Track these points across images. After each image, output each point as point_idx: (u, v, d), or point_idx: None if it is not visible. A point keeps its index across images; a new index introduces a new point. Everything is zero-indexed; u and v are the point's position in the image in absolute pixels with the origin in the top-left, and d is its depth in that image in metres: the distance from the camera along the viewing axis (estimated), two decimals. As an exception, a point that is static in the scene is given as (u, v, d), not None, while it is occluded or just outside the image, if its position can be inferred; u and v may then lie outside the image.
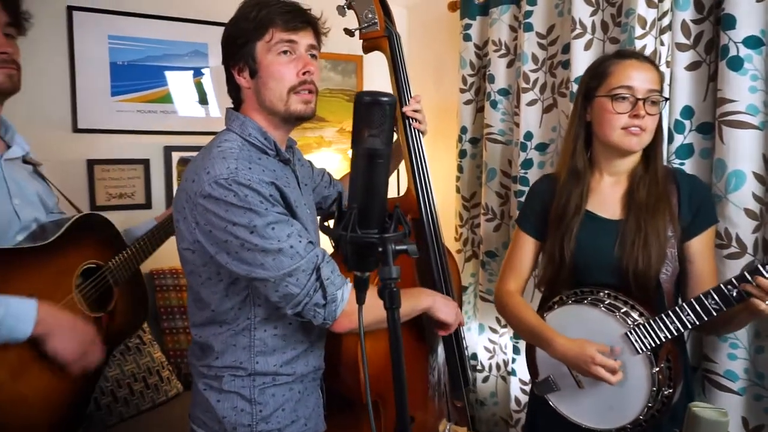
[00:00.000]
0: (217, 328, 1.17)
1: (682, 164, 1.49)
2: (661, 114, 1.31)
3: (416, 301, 1.28)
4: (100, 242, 1.40)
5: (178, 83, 2.56)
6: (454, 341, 1.47)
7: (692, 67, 1.46)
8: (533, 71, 1.99)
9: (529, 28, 1.97)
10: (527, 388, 2.16)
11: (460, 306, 1.75)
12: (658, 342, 1.21)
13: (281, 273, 1.06)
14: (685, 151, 1.49)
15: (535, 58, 1.98)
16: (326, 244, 1.51)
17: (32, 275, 1.19)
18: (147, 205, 2.54)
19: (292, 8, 1.15)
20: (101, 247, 1.40)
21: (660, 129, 1.31)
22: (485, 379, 2.40)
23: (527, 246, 1.47)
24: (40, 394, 1.17)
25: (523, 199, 2.03)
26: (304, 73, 1.15)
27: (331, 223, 0.76)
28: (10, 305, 1.09)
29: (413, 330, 1.46)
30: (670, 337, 1.20)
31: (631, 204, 1.31)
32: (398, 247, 0.66)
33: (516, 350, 2.16)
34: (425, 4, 2.93)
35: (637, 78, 1.25)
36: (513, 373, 2.18)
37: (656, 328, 1.20)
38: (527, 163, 2.03)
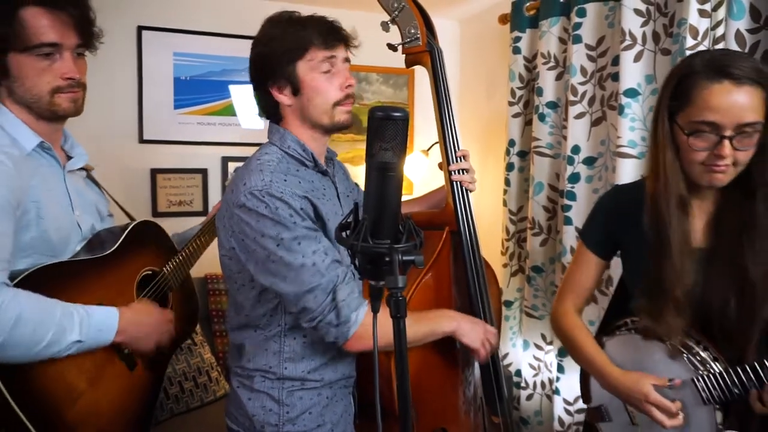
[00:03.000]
0: (251, 332, 1.22)
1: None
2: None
3: (435, 324, 1.27)
4: (154, 248, 1.47)
5: (241, 96, 2.70)
6: (490, 361, 1.45)
7: (747, 78, 1.39)
8: (582, 84, 1.95)
9: (578, 40, 1.94)
10: (572, 408, 2.09)
11: (499, 322, 1.72)
12: (729, 397, 1.05)
13: (302, 290, 1.10)
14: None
15: (583, 71, 1.94)
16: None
17: (98, 285, 1.23)
18: (204, 212, 2.66)
19: (327, 26, 1.19)
20: (156, 254, 1.46)
21: (766, 147, 1.04)
22: (529, 397, 2.34)
23: (590, 264, 1.31)
24: (115, 401, 1.23)
25: (569, 213, 1.99)
26: (347, 87, 1.21)
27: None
28: (93, 317, 1.12)
29: (447, 342, 1.45)
30: (744, 394, 1.03)
31: (721, 229, 1.10)
32: (405, 258, 0.68)
33: (560, 369, 2.10)
34: (477, 17, 2.93)
35: (726, 111, 0.99)
36: (557, 392, 2.12)
37: (729, 382, 1.04)
38: (574, 177, 1.98)
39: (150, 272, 1.42)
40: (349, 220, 0.76)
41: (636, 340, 1.18)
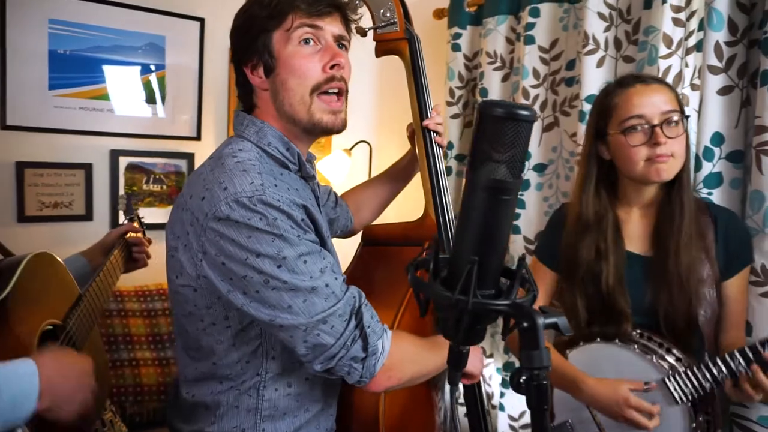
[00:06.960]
0: (216, 385, 0.94)
1: (710, 194, 1.40)
2: (687, 136, 1.19)
3: (444, 352, 1.08)
4: (53, 293, 1.09)
5: (121, 80, 2.23)
6: (476, 389, 1.30)
7: (724, 91, 1.37)
8: (534, 87, 1.87)
9: (530, 40, 1.85)
10: (516, 424, 2.02)
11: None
12: (702, 393, 1.10)
13: (314, 319, 0.84)
14: (714, 180, 1.39)
15: (536, 73, 1.86)
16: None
17: None
18: (87, 216, 2.21)
19: None
20: (56, 300, 1.09)
21: (686, 153, 1.18)
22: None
23: (545, 279, 1.36)
24: None
25: (518, 222, 1.91)
26: (332, 67, 0.93)
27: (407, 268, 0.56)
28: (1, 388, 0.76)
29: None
30: (715, 387, 1.09)
31: (659, 239, 1.20)
32: (548, 321, 0.47)
33: (505, 383, 2.01)
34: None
35: (645, 103, 1.13)
36: (501, 408, 2.03)
37: (700, 377, 1.09)
38: (523, 185, 1.90)
39: (51, 327, 1.05)
40: (423, 256, 0.53)
41: (601, 349, 1.21)
